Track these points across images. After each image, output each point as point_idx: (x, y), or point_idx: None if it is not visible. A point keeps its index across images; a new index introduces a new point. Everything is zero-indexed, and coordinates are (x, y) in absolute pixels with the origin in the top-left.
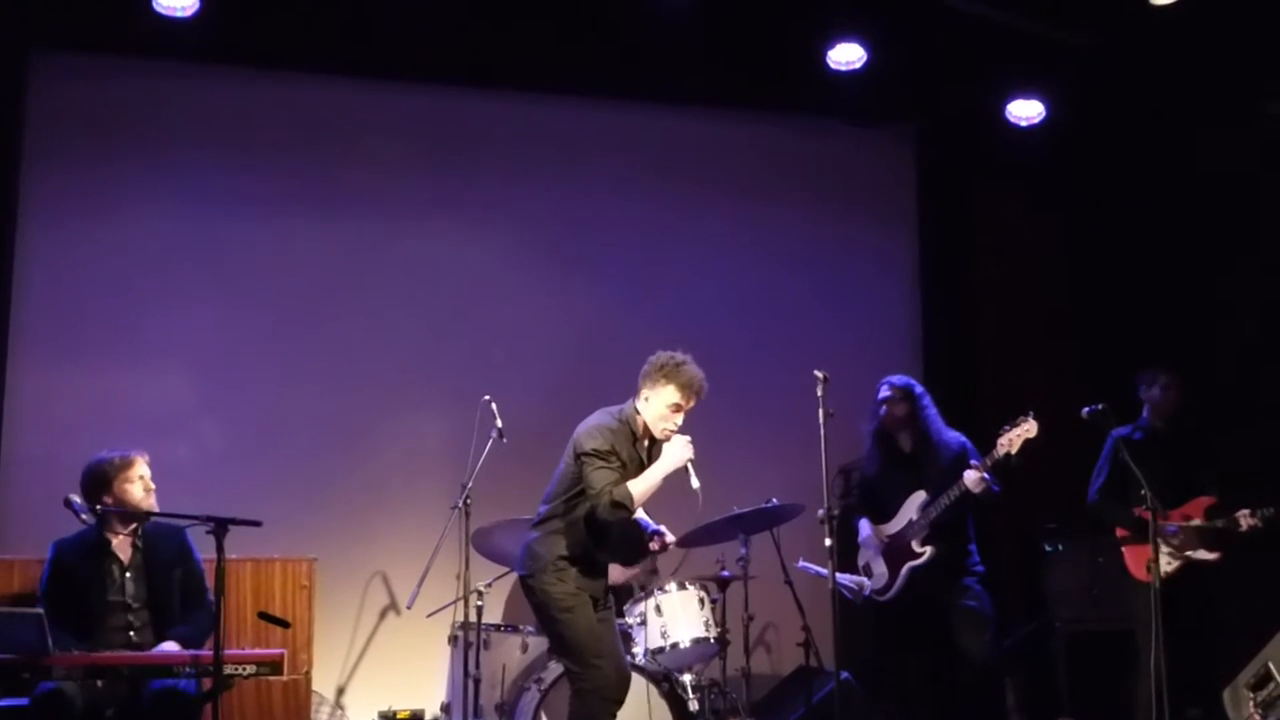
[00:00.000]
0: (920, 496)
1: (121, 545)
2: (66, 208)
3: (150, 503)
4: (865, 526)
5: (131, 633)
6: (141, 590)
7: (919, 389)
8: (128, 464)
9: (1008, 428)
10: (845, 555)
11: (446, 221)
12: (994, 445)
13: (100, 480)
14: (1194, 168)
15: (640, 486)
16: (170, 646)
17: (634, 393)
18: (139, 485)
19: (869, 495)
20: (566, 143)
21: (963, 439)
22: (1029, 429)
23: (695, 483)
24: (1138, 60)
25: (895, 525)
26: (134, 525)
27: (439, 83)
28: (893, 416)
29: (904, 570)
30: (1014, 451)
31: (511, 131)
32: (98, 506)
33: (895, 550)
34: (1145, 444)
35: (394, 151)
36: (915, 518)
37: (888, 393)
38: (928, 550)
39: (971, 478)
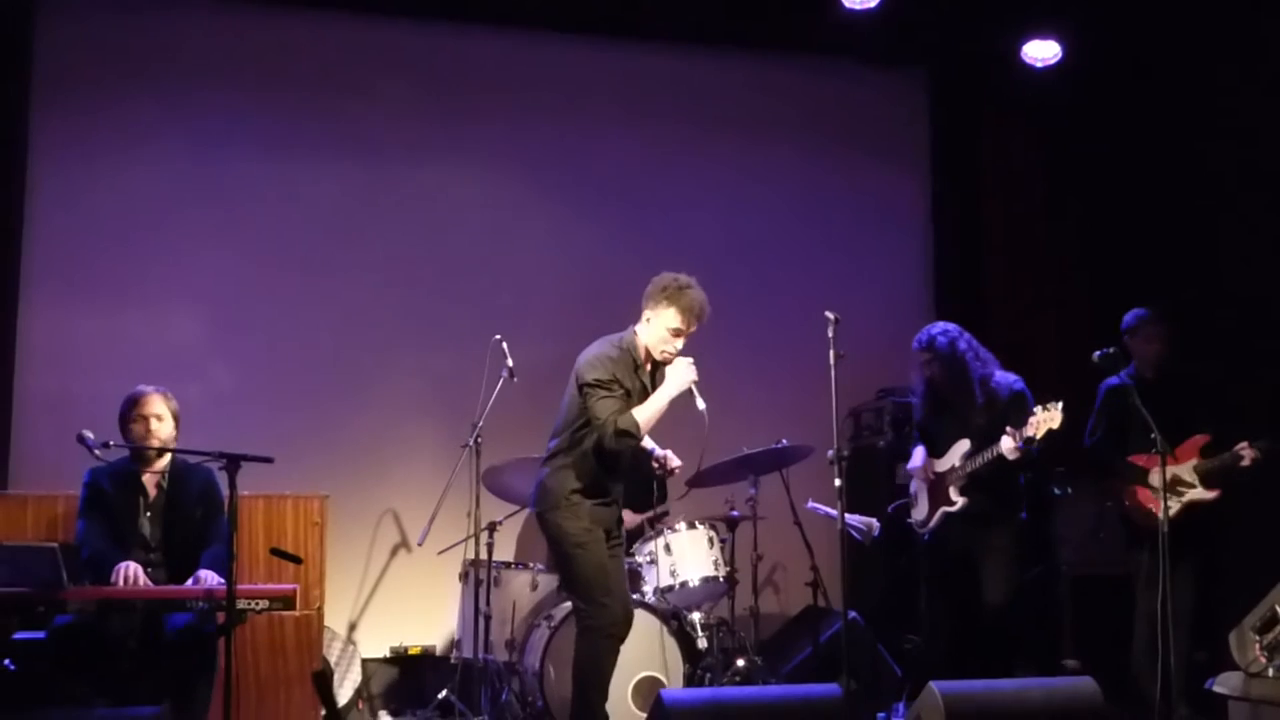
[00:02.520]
0: (964, 445)
1: (149, 481)
2: (76, 147)
3: (152, 440)
4: (918, 455)
5: (149, 569)
6: (157, 532)
7: (943, 342)
8: (133, 402)
9: (1039, 408)
10: (854, 496)
11: (456, 162)
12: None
13: (120, 418)
14: (1207, 110)
15: (645, 413)
16: (206, 574)
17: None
18: (140, 425)
19: (922, 432)
20: (576, 83)
21: (1016, 384)
22: (1052, 419)
23: (701, 404)
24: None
25: (943, 465)
26: (159, 463)
27: (446, 20)
28: (928, 376)
29: (939, 513)
30: (1038, 436)
31: (521, 71)
32: (110, 443)
33: (936, 489)
34: (1137, 390)
35: (403, 92)
36: (956, 465)
37: (917, 358)
38: (961, 501)
39: (1007, 445)
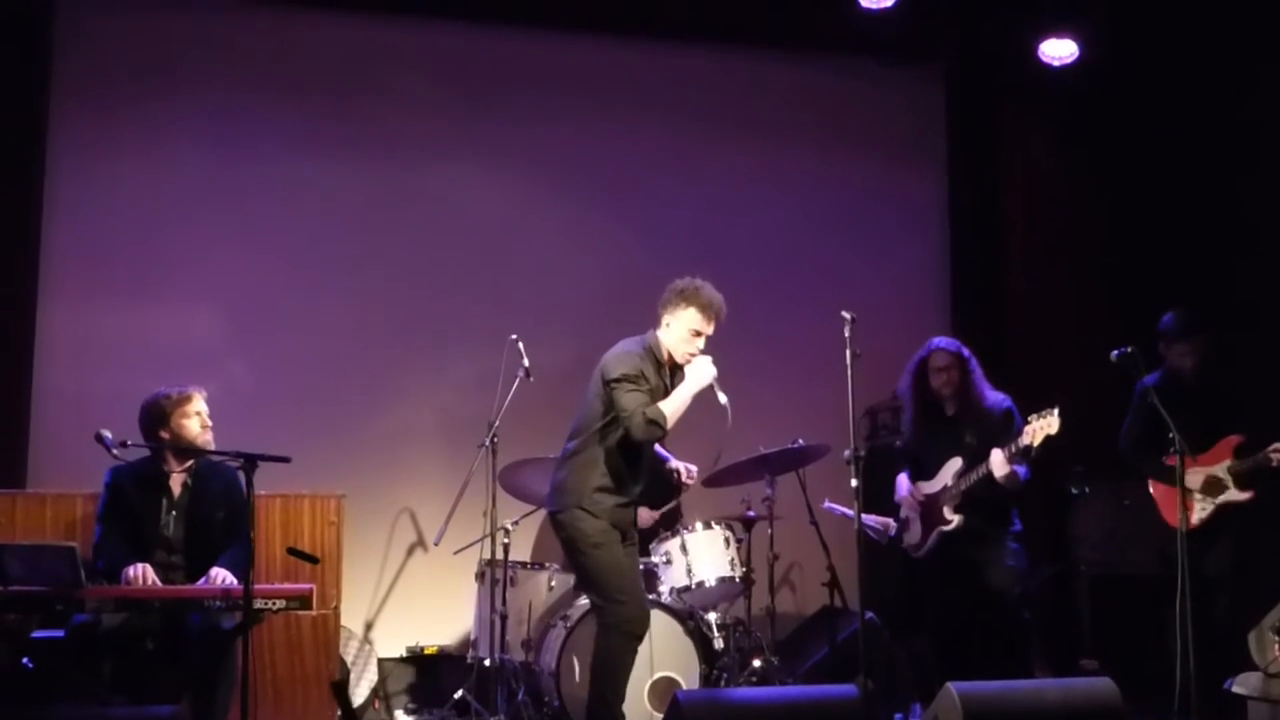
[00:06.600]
0: (957, 463)
1: (175, 481)
2: (95, 145)
3: (206, 439)
4: (902, 484)
5: (169, 571)
6: (180, 532)
7: (966, 352)
8: (185, 400)
9: (1034, 416)
10: (871, 496)
11: (474, 161)
12: (1021, 430)
13: (158, 415)
14: (1225, 106)
15: (671, 405)
16: (219, 571)
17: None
18: (195, 421)
19: (910, 454)
20: (593, 81)
21: (1005, 402)
22: (1050, 424)
23: (723, 398)
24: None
25: (933, 486)
26: (187, 462)
27: (464, 19)
28: (947, 383)
29: (934, 534)
30: (1035, 444)
31: (539, 70)
32: (128, 442)
33: (929, 511)
34: (1171, 391)
35: (421, 91)
36: (949, 484)
37: (941, 360)
38: (957, 519)
39: (997, 459)
